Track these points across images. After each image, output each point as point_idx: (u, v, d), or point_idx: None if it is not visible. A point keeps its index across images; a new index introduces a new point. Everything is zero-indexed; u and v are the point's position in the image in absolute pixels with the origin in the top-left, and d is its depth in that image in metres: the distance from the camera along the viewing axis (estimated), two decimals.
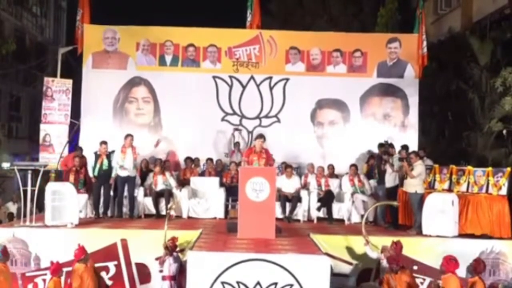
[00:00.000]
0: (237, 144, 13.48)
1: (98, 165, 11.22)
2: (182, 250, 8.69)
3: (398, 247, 8.49)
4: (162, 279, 8.34)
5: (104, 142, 11.45)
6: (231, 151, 13.52)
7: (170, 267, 8.28)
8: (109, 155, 11.33)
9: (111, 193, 11.38)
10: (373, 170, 12.29)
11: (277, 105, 14.07)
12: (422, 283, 8.81)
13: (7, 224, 10.97)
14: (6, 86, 21.64)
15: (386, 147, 11.76)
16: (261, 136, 10.17)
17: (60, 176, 12.47)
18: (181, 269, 8.30)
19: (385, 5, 18.44)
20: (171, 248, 8.34)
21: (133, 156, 11.43)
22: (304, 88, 13.99)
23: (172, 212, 8.31)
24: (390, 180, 11.02)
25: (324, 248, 8.67)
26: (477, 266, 7.92)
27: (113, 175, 11.24)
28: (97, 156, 11.32)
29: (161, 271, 8.35)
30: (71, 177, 11.25)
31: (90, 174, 11.33)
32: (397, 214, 10.85)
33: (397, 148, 12.02)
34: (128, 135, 11.69)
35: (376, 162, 11.98)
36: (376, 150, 12.44)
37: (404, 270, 8.08)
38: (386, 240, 9.17)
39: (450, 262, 7.60)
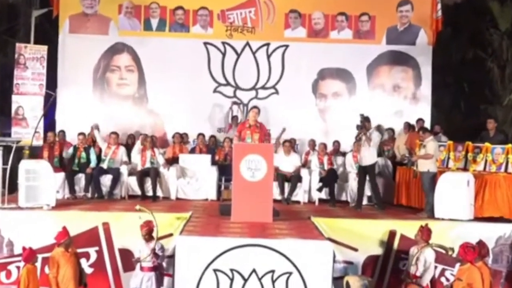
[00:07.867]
0: (235, 118, 13.43)
1: (76, 159, 11.54)
2: (169, 235, 8.68)
3: (425, 232, 8.29)
4: (141, 270, 8.21)
5: (81, 134, 11.83)
6: (228, 125, 13.47)
7: (150, 256, 8.19)
8: (87, 148, 11.66)
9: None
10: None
11: (275, 75, 14.03)
12: None
13: None
14: None
15: (362, 121, 11.54)
16: (255, 107, 10.12)
17: (35, 153, 12.41)
18: (163, 257, 8.32)
19: None
20: (146, 234, 8.18)
21: (119, 153, 11.78)
22: (305, 56, 13.96)
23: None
24: (368, 156, 10.84)
25: (327, 232, 8.66)
26: (481, 250, 7.87)
27: (92, 165, 11.48)
28: (75, 149, 11.62)
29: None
30: (45, 154, 11.34)
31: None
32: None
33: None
34: (112, 133, 11.95)
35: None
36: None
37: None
38: (391, 224, 9.20)
39: (468, 251, 7.47)
